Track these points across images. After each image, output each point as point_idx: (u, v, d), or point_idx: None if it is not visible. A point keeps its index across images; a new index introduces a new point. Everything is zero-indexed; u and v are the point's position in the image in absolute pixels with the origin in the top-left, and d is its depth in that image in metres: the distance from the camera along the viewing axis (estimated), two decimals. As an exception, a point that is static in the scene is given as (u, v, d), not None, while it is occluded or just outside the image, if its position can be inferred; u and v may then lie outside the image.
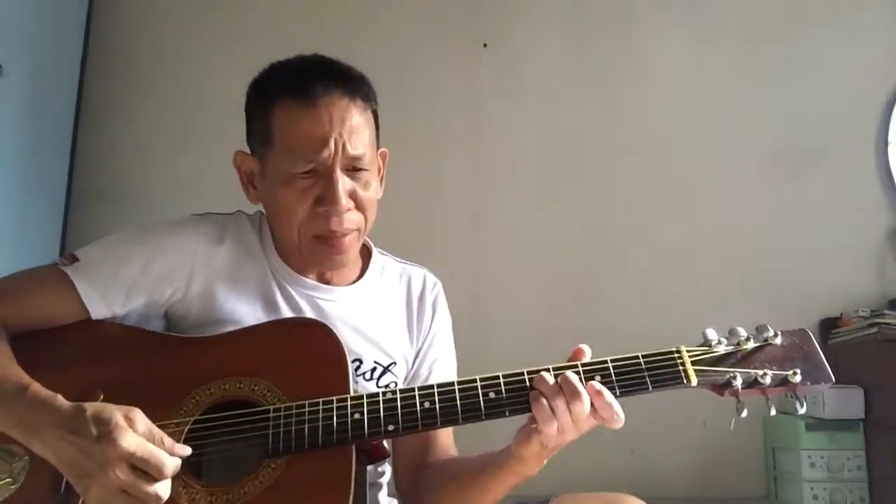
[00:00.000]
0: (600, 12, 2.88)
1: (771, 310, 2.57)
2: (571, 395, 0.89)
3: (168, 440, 0.85)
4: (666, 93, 2.81)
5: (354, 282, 1.18)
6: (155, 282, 1.05)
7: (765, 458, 2.53)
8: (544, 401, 0.90)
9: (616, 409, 0.89)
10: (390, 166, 1.20)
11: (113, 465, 0.79)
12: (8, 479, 0.90)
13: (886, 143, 2.71)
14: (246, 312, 1.08)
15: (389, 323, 1.18)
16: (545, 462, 0.96)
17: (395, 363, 1.16)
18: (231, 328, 1.04)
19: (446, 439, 1.18)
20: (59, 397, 0.86)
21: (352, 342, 1.09)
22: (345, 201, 1.04)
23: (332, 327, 1.01)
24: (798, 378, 0.91)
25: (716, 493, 2.47)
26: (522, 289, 2.67)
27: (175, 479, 0.88)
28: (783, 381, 0.92)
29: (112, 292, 1.03)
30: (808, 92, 2.77)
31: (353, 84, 1.08)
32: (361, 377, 1.12)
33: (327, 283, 1.15)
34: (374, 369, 1.14)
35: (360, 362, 1.12)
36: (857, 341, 2.36)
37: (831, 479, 2.26)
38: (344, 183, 1.04)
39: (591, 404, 0.89)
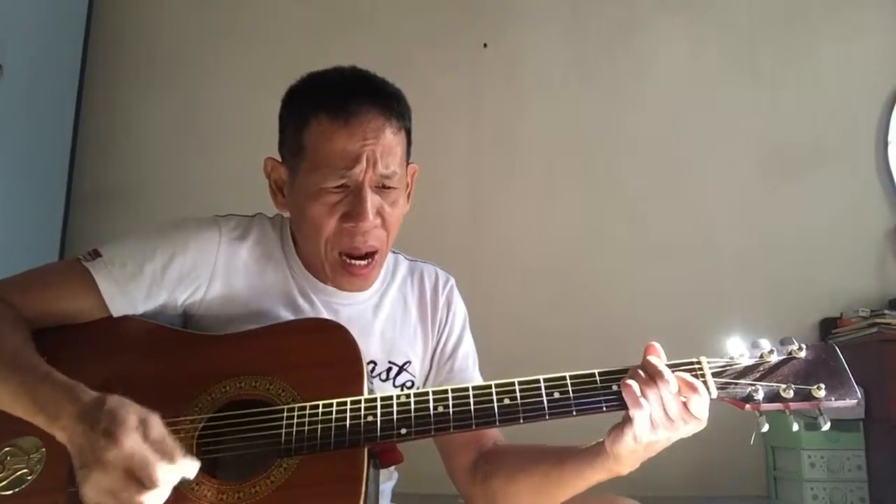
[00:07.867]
0: (600, 12, 2.88)
1: (771, 310, 2.58)
2: (657, 376, 0.88)
3: (179, 453, 0.81)
4: (665, 93, 2.82)
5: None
6: (176, 280, 1.05)
7: (765, 458, 2.53)
8: (634, 386, 0.88)
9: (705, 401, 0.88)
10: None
11: (108, 464, 0.77)
12: (25, 471, 0.91)
13: (886, 143, 2.72)
14: (265, 313, 1.08)
15: (403, 322, 1.19)
16: (638, 464, 0.94)
17: (409, 362, 1.17)
18: (249, 328, 1.04)
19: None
20: (82, 386, 0.86)
21: (366, 345, 1.10)
22: (372, 217, 1.05)
23: (348, 329, 1.01)
24: (822, 393, 0.89)
25: (716, 493, 2.47)
26: (522, 287, 2.67)
27: None
28: (807, 396, 0.89)
29: (133, 289, 1.03)
30: (808, 92, 2.78)
31: (388, 102, 1.08)
32: (377, 378, 1.13)
33: (345, 289, 1.15)
34: (389, 370, 1.14)
35: (375, 364, 1.13)
36: (857, 341, 2.36)
37: (831, 479, 2.26)
38: (372, 200, 1.04)
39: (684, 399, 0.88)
